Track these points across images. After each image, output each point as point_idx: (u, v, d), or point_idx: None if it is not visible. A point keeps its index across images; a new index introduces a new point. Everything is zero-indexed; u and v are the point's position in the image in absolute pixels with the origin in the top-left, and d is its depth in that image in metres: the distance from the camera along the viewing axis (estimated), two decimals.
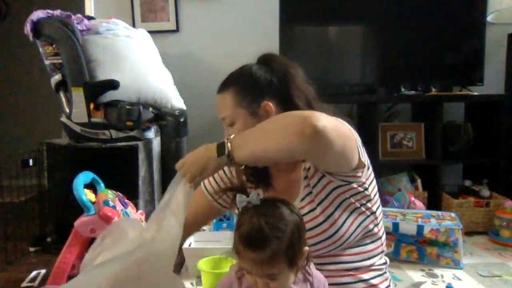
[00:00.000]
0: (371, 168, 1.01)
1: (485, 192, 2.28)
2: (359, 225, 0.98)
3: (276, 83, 1.02)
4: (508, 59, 2.51)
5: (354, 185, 0.96)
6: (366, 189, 0.98)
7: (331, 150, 0.83)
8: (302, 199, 0.99)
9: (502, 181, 2.34)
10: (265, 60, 1.07)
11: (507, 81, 2.51)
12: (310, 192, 0.98)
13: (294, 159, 1.00)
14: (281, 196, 0.89)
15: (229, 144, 0.89)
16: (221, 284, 0.90)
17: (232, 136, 0.91)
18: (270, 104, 1.00)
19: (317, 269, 0.93)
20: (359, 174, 0.97)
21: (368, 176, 1.00)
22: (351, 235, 0.96)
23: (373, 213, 1.01)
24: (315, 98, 1.03)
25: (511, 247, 2.03)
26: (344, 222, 0.96)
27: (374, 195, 1.01)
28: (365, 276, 0.98)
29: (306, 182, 1.00)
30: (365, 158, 0.98)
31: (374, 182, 1.03)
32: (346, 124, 0.92)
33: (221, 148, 0.90)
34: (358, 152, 0.93)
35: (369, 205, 0.99)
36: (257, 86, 1.02)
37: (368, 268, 1.00)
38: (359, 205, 0.98)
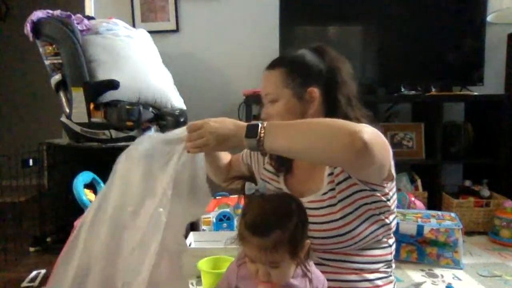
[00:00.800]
0: (395, 181, 1.01)
1: (485, 192, 2.28)
2: (371, 233, 0.97)
3: (325, 73, 1.02)
4: (508, 59, 2.51)
5: (378, 194, 0.96)
6: (388, 200, 0.98)
7: (374, 164, 0.84)
8: (324, 193, 0.98)
9: (502, 181, 2.34)
10: (318, 49, 1.06)
11: (507, 81, 2.51)
12: (333, 189, 0.97)
13: (329, 165, 0.98)
14: (301, 185, 0.91)
15: (263, 129, 0.86)
16: (224, 274, 0.92)
17: (266, 123, 0.87)
18: (316, 90, 1.00)
19: (323, 264, 0.94)
20: (385, 185, 0.97)
21: (391, 188, 1.00)
22: (361, 239, 0.96)
23: (388, 224, 1.00)
24: (355, 97, 1.04)
25: (511, 247, 2.03)
26: (358, 226, 0.95)
27: (393, 208, 1.01)
28: (370, 276, 0.98)
29: (330, 178, 0.98)
30: (394, 171, 0.98)
31: (396, 195, 1.03)
32: (383, 136, 0.90)
33: (251, 130, 0.87)
34: (390, 164, 0.94)
35: (386, 215, 0.99)
36: (307, 71, 1.02)
37: (373, 270, 0.99)
38: (377, 213, 0.97)
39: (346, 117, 0.96)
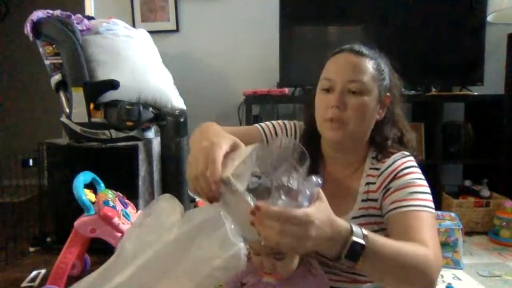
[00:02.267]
0: None
1: (485, 192, 2.28)
2: None
3: (394, 84, 0.97)
4: (508, 59, 2.51)
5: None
6: None
7: None
8: (354, 218, 0.91)
9: (502, 181, 2.34)
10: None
11: (507, 81, 2.51)
12: (365, 215, 0.91)
13: None
14: (331, 199, 0.73)
15: (363, 255, 0.67)
16: None
17: (368, 247, 0.67)
18: (389, 98, 0.94)
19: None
20: None
21: None
22: None
23: None
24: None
25: (511, 247, 2.03)
26: None
27: None
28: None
29: (364, 198, 0.92)
30: None
31: None
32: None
33: (354, 252, 0.67)
34: None
35: None
36: (388, 75, 0.95)
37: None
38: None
39: (401, 133, 0.95)
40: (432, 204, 0.85)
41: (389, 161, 0.91)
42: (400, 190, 0.86)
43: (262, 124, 1.05)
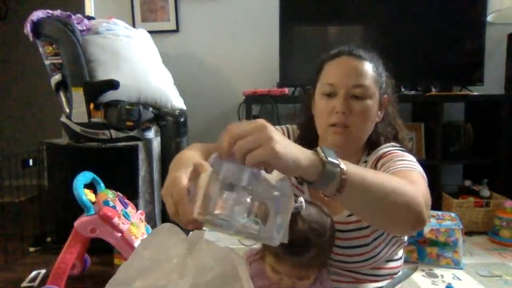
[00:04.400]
0: None
1: (485, 192, 2.28)
2: (391, 253, 0.94)
3: (388, 84, 0.99)
4: (508, 59, 2.51)
5: None
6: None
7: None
8: (349, 215, 0.90)
9: (502, 181, 2.34)
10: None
11: (507, 81, 2.51)
12: None
13: (381, 229, 0.87)
14: (327, 201, 0.74)
15: (344, 182, 0.62)
16: None
17: (346, 172, 0.62)
18: (387, 99, 0.94)
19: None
20: None
21: None
22: (380, 259, 0.92)
23: (404, 242, 0.96)
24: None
25: (511, 247, 2.03)
26: (383, 249, 0.91)
27: (405, 243, 0.98)
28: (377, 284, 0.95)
29: None
30: None
31: None
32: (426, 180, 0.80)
33: (330, 174, 0.61)
34: None
35: (399, 248, 0.96)
36: (385, 76, 0.96)
37: (380, 280, 0.96)
38: (395, 241, 0.93)
39: (395, 131, 0.95)
40: (422, 170, 0.81)
41: (376, 150, 0.92)
42: (386, 163, 0.84)
43: None
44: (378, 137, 0.94)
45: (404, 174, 0.77)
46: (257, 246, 0.90)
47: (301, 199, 0.77)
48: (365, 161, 0.95)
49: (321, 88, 0.91)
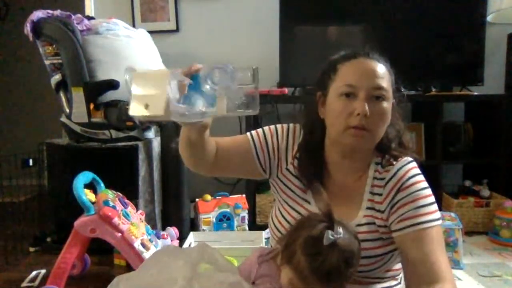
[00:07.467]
0: None
1: (485, 192, 2.28)
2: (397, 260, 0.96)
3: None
4: (508, 59, 2.51)
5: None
6: None
7: None
8: (360, 225, 0.91)
9: (502, 181, 2.34)
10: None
11: (507, 81, 2.51)
12: (373, 223, 0.91)
13: None
14: (334, 206, 0.82)
15: None
16: (242, 267, 0.91)
17: None
18: (396, 101, 0.95)
19: None
20: None
21: None
22: (386, 265, 0.94)
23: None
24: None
25: (511, 247, 2.03)
26: (390, 258, 0.92)
27: None
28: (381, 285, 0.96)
29: (371, 206, 0.93)
30: None
31: None
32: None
33: None
34: None
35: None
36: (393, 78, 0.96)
37: (384, 281, 0.97)
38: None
39: (399, 133, 0.96)
40: (438, 214, 0.87)
41: (392, 170, 0.92)
42: (407, 205, 0.87)
43: (253, 132, 1.05)
44: (388, 142, 0.94)
45: (427, 236, 0.84)
46: (269, 245, 0.91)
47: (340, 227, 0.78)
48: (377, 163, 0.95)
49: (339, 89, 0.90)
